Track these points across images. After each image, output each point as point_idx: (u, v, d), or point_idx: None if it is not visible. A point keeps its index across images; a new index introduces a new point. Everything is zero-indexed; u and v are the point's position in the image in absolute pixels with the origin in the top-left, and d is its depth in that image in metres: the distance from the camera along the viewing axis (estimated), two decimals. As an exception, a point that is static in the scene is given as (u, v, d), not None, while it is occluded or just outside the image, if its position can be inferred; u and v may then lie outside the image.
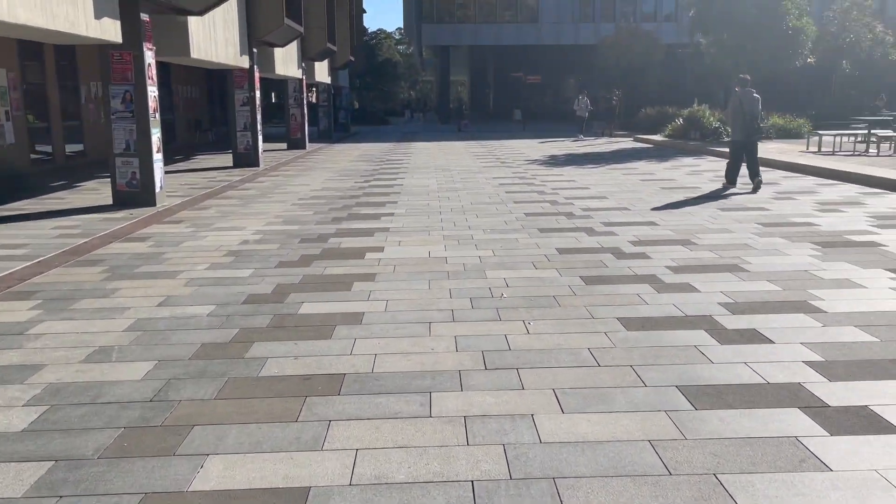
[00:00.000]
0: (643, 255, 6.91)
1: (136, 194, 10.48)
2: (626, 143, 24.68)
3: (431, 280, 6.12)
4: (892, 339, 4.44)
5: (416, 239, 7.97)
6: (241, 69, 16.29)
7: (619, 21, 42.07)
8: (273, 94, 57.18)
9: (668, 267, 6.43)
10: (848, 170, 12.92)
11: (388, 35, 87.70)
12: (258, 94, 17.11)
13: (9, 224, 9.05)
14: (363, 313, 5.19)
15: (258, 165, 17.03)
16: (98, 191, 12.14)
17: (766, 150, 18.28)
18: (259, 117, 17.21)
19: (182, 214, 9.95)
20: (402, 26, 78.43)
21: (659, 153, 19.87)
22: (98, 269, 6.63)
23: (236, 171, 16.06)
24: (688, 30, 41.61)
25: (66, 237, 8.16)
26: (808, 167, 13.87)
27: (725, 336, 4.55)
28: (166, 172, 15.20)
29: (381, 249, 7.42)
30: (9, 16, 6.63)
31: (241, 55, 15.40)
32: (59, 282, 6.19)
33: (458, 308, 5.28)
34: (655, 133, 25.59)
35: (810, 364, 4.06)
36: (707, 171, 14.84)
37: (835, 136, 17.24)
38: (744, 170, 11.87)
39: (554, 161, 17.68)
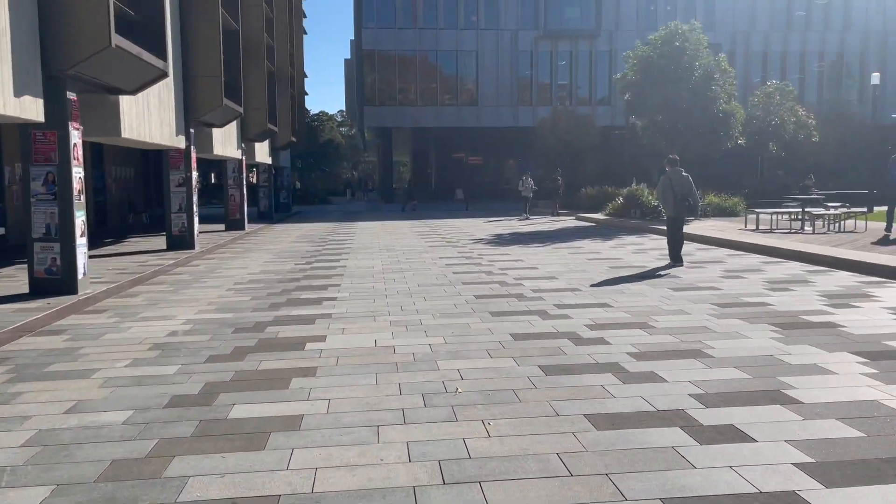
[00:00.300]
0: (601, 341, 6.56)
1: (55, 281, 9.69)
2: (569, 221, 24.90)
3: (379, 373, 5.60)
4: (879, 434, 4.13)
5: (361, 326, 7.46)
6: (177, 149, 15.79)
7: (555, 104, 43.50)
8: (212, 175, 56.53)
9: (629, 353, 6.09)
10: (789, 248, 13.08)
11: (331, 117, 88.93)
12: (195, 174, 16.58)
13: None
14: (302, 416, 4.62)
15: (194, 248, 16.32)
16: (15, 277, 11.27)
17: (705, 227, 18.60)
18: (195, 198, 16.62)
19: (106, 303, 9.21)
20: (343, 109, 79.49)
21: (602, 232, 20.00)
22: (0, 370, 5.89)
23: (170, 254, 15.31)
24: (622, 112, 43.52)
25: (-31, 331, 7.34)
26: (751, 245, 14.02)
27: (703, 434, 4.16)
28: (95, 256, 14.38)
29: (322, 339, 6.88)
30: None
31: (177, 135, 14.93)
32: (-47, 386, 5.43)
33: (409, 406, 4.77)
34: (597, 212, 25.95)
35: (800, 466, 3.69)
36: (652, 249, 14.86)
37: (771, 213, 17.65)
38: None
39: (499, 240, 17.53)
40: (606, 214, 24.14)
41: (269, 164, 28.93)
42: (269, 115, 22.82)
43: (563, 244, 16.24)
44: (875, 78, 25.54)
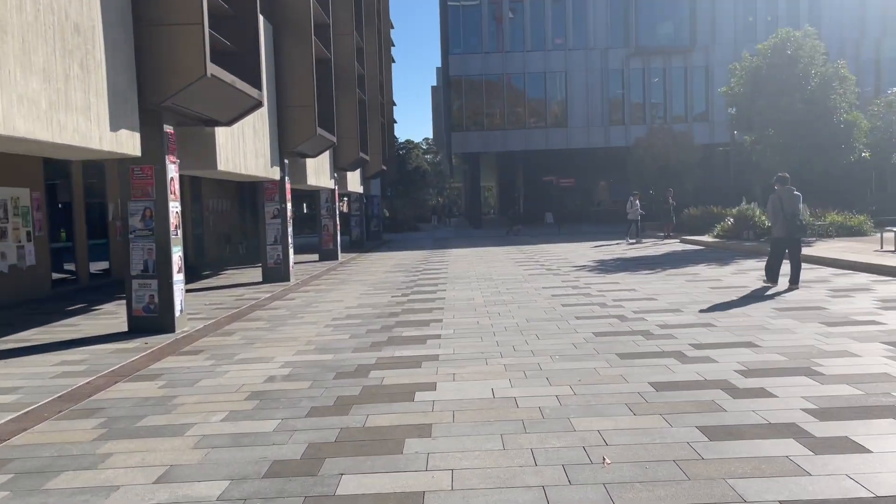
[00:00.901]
0: (763, 392, 5.53)
1: (153, 319, 9.42)
2: (674, 245, 23.46)
3: (504, 434, 4.79)
4: None
5: (473, 370, 6.68)
6: (272, 181, 15.64)
7: (650, 123, 41.93)
8: (304, 204, 57.69)
9: (805, 410, 5.04)
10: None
11: (416, 145, 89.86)
12: (289, 206, 16.39)
13: (8, 360, 7.97)
14: (423, 494, 3.86)
15: (289, 280, 16.07)
16: (115, 314, 11.15)
17: (834, 248, 16.92)
18: (290, 230, 16.42)
19: (202, 342, 8.82)
20: (428, 136, 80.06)
21: (716, 256, 18.58)
22: (92, 424, 5.43)
23: (265, 286, 15.09)
24: (723, 128, 41.51)
25: (67, 376, 7.02)
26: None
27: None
28: (192, 290, 14.28)
29: (432, 387, 6.14)
30: (4, 128, 5.78)
31: (271, 166, 14.75)
32: (41, 444, 4.98)
33: (550, 483, 3.93)
34: (703, 234, 24.40)
35: None
36: (781, 275, 13.47)
37: None
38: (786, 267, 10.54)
39: (604, 267, 16.45)
40: (715, 237, 22.59)
41: (360, 193, 28.86)
42: (360, 143, 22.65)
43: (675, 270, 15.03)
44: None
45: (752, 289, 11.61)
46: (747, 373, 6.14)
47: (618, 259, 18.54)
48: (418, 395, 5.87)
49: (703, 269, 14.96)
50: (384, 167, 30.21)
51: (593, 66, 43.79)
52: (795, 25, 35.18)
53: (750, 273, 13.95)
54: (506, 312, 10.19)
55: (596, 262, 17.95)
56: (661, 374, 6.22)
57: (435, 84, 65.18)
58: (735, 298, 10.60)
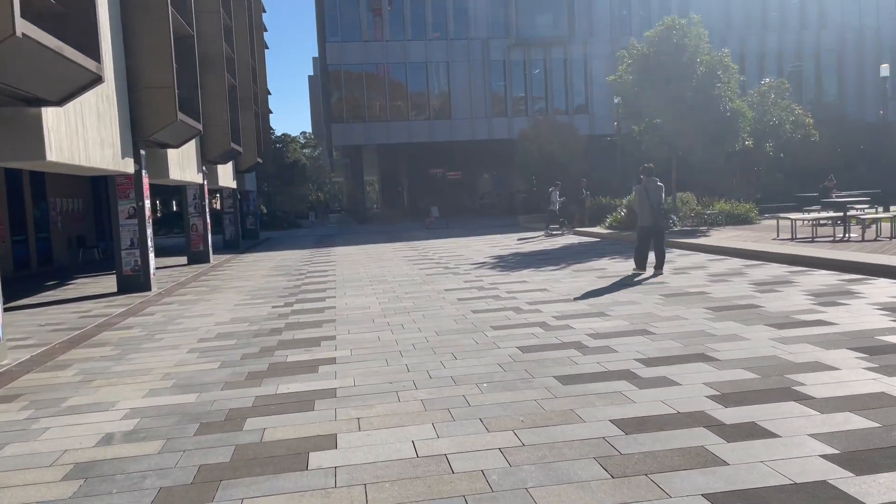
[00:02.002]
0: (761, 431, 4.38)
1: (-45, 354, 7.24)
2: (569, 237, 22.82)
3: (443, 525, 3.35)
4: None
5: (383, 412, 5.19)
6: (125, 175, 13.36)
7: (532, 114, 41.67)
8: (174, 202, 53.61)
9: (821, 456, 3.92)
10: (874, 262, 11.12)
11: (294, 139, 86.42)
12: (147, 203, 14.14)
13: None
14: None
15: (150, 290, 13.85)
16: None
17: (730, 238, 16.67)
18: (149, 232, 14.18)
19: (22, 382, 6.79)
20: (306, 129, 77.12)
21: (615, 248, 17.96)
22: None
23: (120, 299, 12.85)
24: (605, 120, 41.90)
25: None
26: (815, 259, 11.91)
27: None
28: (25, 308, 11.88)
29: (332, 443, 4.58)
30: None
31: (123, 158, 12.52)
32: None
33: None
34: (594, 225, 23.97)
35: None
36: (698, 266, 12.82)
37: (812, 220, 15.50)
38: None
39: (504, 264, 15.34)
40: (608, 228, 22.15)
41: (233, 189, 26.46)
42: (231, 133, 20.43)
43: (581, 266, 14.11)
44: (884, 70, 24.02)
45: (676, 285, 10.79)
46: (719, 397, 5.01)
47: (515, 254, 17.52)
48: (314, 460, 4.30)
49: (606, 264, 14.13)
50: (259, 160, 27.90)
51: (475, 56, 43.03)
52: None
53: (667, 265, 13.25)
54: (410, 324, 8.74)
55: (494, 258, 16.83)
56: (621, 405, 4.98)
57: (312, 74, 62.49)
58: (659, 298, 9.68)
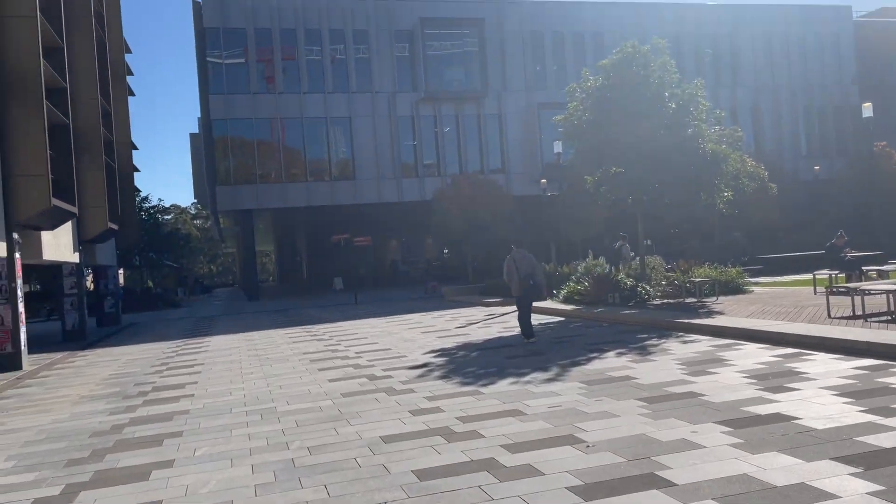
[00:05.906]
0: None
1: None
2: (506, 309, 17.95)
3: None
4: None
5: None
6: None
7: (444, 175, 37.38)
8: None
9: None
10: None
11: (184, 210, 79.03)
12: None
13: None
14: None
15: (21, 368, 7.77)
16: None
17: (759, 315, 12.24)
18: None
19: None
20: (196, 201, 70.15)
21: (600, 333, 13.21)
22: None
23: None
24: (523, 180, 38.06)
25: None
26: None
27: None
28: None
29: None
30: None
31: None
32: None
33: None
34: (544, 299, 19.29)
35: None
36: (754, 367, 8.14)
37: (885, 291, 11.20)
38: None
39: (460, 366, 10.18)
40: (566, 302, 17.53)
41: (74, 264, 20.16)
42: (54, 185, 14.59)
43: (587, 369, 9.15)
44: (867, 110, 21.10)
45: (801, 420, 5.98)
46: None
47: (466, 345, 12.41)
48: None
49: (624, 364, 9.22)
50: (114, 226, 21.73)
51: (380, 111, 38.60)
52: (580, 75, 32.17)
53: (671, 364, 8.44)
54: None
55: (437, 353, 11.65)
56: None
57: (196, 131, 56.30)
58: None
